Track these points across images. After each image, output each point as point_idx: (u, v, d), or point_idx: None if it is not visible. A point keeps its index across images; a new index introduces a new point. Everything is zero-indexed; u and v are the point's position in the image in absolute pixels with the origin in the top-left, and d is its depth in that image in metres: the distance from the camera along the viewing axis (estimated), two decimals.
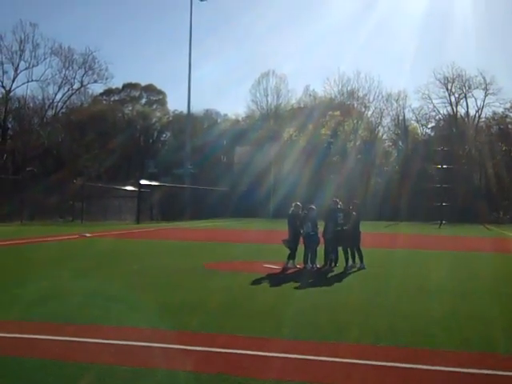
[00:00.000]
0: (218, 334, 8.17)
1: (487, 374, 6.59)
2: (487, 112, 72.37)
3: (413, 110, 74.95)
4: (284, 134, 72.50)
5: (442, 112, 74.05)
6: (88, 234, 28.96)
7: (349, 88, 74.40)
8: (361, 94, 73.94)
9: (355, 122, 72.76)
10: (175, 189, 56.88)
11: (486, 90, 70.08)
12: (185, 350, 7.38)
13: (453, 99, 72.14)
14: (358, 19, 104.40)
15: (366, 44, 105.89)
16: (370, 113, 75.05)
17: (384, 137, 77.17)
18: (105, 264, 17.23)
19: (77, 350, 7.35)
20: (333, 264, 16.73)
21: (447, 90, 71.74)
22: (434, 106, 73.20)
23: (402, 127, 74.30)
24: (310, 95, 77.93)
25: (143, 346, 7.48)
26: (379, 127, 75.57)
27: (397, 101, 73.69)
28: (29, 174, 52.15)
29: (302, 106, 76.90)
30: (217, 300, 11.04)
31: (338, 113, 71.29)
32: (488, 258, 21.71)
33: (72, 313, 9.48)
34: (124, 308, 10.06)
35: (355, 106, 74.71)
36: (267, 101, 78.29)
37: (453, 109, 72.66)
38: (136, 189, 48.86)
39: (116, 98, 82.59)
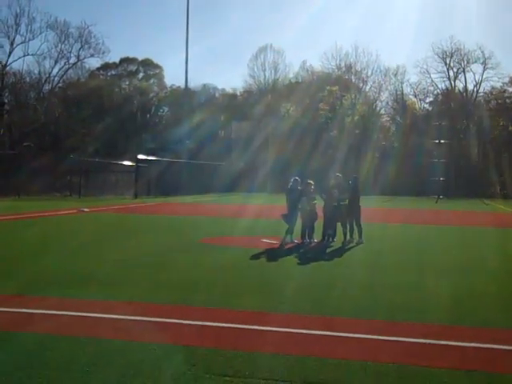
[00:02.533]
0: (215, 309, 8.21)
1: (480, 348, 6.64)
2: (485, 87, 72.29)
3: (411, 85, 74.86)
4: (281, 109, 72.25)
5: (440, 87, 73.93)
6: (86, 209, 28.95)
7: (347, 62, 74.15)
8: (359, 69, 73.70)
9: (353, 96, 72.50)
10: (173, 164, 56.78)
11: (484, 64, 69.93)
12: (181, 324, 7.41)
13: (451, 74, 71.96)
14: None
15: (364, 18, 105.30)
16: (368, 87, 74.89)
17: (382, 111, 76.99)
18: (102, 239, 17.27)
19: (74, 325, 7.38)
20: (330, 239, 16.77)
21: (445, 64, 71.50)
22: (433, 81, 73.07)
23: (400, 102, 74.10)
24: (307, 70, 77.63)
25: (140, 321, 7.51)
26: (377, 102, 75.41)
27: (395, 75, 73.48)
28: (26, 149, 51.98)
29: (299, 81, 76.56)
30: (214, 275, 11.09)
31: (336, 88, 70.96)
32: (486, 233, 21.77)
33: (69, 288, 9.50)
34: (121, 283, 10.11)
35: (353, 80, 74.45)
36: (265, 75, 78.04)
37: (451, 83, 72.49)
38: (134, 164, 48.80)
39: (113, 72, 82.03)
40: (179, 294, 9.16)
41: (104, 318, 7.68)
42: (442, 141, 61.46)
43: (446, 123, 64.29)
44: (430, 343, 6.73)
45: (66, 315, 7.76)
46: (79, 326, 7.36)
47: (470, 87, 72.47)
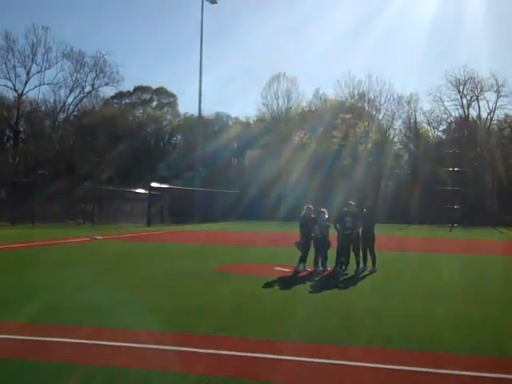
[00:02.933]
0: (228, 337, 8.18)
1: (497, 378, 6.57)
2: (499, 114, 72.02)
3: (424, 113, 74.65)
4: (295, 137, 72.40)
5: (453, 114, 73.81)
6: (99, 237, 29.03)
7: (360, 90, 74.24)
8: (372, 97, 73.73)
9: (366, 124, 72.55)
10: (186, 192, 56.93)
11: (498, 92, 69.75)
12: (196, 352, 7.40)
13: (464, 101, 71.85)
14: (369, 21, 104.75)
15: (377, 46, 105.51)
16: (381, 115, 74.84)
17: (395, 139, 76.80)
18: (116, 267, 17.29)
19: (89, 353, 7.39)
20: (343, 267, 16.70)
21: (459, 92, 71.44)
22: (446, 109, 72.93)
23: (413, 130, 74.00)
24: (321, 98, 77.89)
25: (154, 349, 7.50)
26: (390, 130, 75.23)
27: (408, 103, 73.38)
28: (40, 177, 52.30)
29: (312, 109, 76.79)
30: (228, 303, 11.06)
31: (349, 116, 71.13)
32: (500, 262, 21.62)
33: (84, 315, 9.52)
34: (136, 311, 10.10)
35: (366, 108, 74.47)
36: (278, 104, 78.21)
37: (464, 111, 72.38)
38: (147, 192, 48.89)
39: (127, 101, 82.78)
40: (194, 322, 9.15)
41: (118, 346, 7.68)
42: (456, 169, 61.30)
43: (460, 151, 64.11)
44: (443, 373, 6.68)
45: (82, 343, 7.77)
46: (92, 353, 7.37)
47: (484, 115, 72.41)
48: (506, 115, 71.44)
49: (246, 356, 7.28)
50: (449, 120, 74.72)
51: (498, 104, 70.57)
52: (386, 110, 74.02)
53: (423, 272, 17.22)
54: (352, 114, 71.61)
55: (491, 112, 71.55)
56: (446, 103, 72.28)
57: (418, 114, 74.22)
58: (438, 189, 61.89)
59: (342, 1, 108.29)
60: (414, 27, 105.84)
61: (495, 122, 72.34)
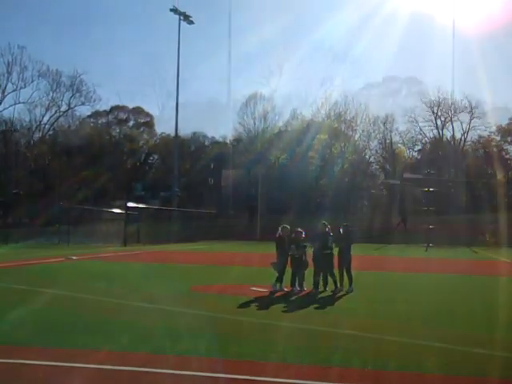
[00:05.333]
0: (204, 358, 8.10)
1: None
2: (473, 135, 72.96)
3: (400, 134, 75.35)
4: (271, 157, 72.55)
5: (428, 135, 74.62)
6: (74, 257, 28.72)
7: (336, 111, 74.73)
8: (348, 117, 74.23)
9: (343, 145, 72.97)
10: (162, 211, 56.83)
11: (471, 113, 70.68)
12: (172, 374, 7.31)
13: (439, 123, 72.67)
14: (345, 43, 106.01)
15: (354, 67, 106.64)
16: (357, 136, 75.34)
17: (371, 160, 77.39)
18: (91, 288, 17.08)
19: (59, 375, 7.26)
20: (323, 287, 16.66)
21: (433, 113, 72.28)
22: (421, 130, 73.68)
23: (389, 150, 74.61)
24: (298, 118, 78.17)
25: (123, 371, 7.40)
26: (366, 150, 75.79)
27: (384, 124, 74.03)
28: (15, 197, 51.84)
29: (289, 129, 77.04)
30: (203, 324, 10.97)
31: (325, 136, 71.47)
32: (475, 281, 21.73)
33: (57, 337, 9.37)
34: (107, 332, 9.97)
35: (342, 129, 74.94)
36: (254, 123, 78.40)
37: (439, 132, 73.20)
38: (123, 211, 48.62)
39: (103, 120, 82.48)
40: (167, 344, 9.03)
41: (89, 368, 7.56)
42: (431, 189, 61.80)
43: (434, 171, 64.70)
44: None
45: (53, 365, 7.64)
46: (65, 376, 7.24)
47: (458, 136, 73.26)
48: (480, 136, 72.41)
49: (223, 377, 7.21)
50: (424, 141, 75.55)
51: (471, 125, 71.46)
52: (362, 131, 74.67)
53: (400, 292, 17.25)
54: (328, 134, 71.97)
55: (465, 133, 72.43)
56: (420, 124, 73.15)
57: (393, 134, 74.96)
58: (413, 209, 62.35)
59: (318, 22, 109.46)
60: (390, 49, 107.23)
61: (469, 142, 73.25)
